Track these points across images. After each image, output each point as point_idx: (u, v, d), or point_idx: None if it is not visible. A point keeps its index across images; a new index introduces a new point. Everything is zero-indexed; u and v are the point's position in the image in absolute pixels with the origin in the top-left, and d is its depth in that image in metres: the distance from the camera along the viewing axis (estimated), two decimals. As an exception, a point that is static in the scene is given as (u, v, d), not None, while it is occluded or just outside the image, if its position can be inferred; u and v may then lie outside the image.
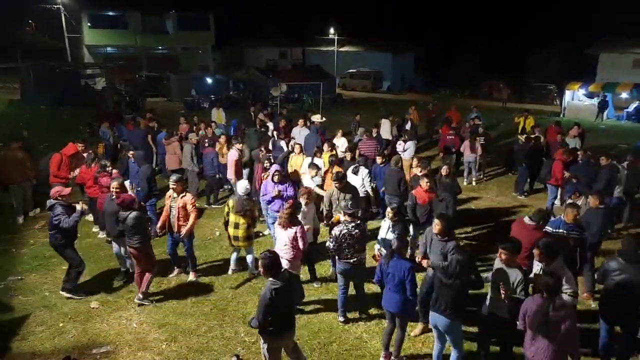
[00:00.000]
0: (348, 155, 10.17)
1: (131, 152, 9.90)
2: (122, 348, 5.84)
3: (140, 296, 6.72)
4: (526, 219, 6.29)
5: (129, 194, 7.17)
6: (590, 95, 25.35)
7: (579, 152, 10.57)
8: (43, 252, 8.29)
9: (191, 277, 7.53)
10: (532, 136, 12.52)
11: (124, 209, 6.65)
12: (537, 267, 5.39)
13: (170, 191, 7.30)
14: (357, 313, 6.59)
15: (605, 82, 26.02)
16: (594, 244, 7.03)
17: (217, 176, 10.74)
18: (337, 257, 6.28)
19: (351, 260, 6.18)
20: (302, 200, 7.08)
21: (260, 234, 9.11)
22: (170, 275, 7.58)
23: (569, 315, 4.33)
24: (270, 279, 4.64)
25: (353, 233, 6.14)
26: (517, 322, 4.69)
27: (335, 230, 6.20)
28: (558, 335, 4.28)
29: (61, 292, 6.93)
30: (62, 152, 9.47)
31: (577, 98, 25.61)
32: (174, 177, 7.31)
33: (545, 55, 39.65)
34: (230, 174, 10.09)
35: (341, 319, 6.44)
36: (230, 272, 7.72)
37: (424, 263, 5.94)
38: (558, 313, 4.29)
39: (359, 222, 6.33)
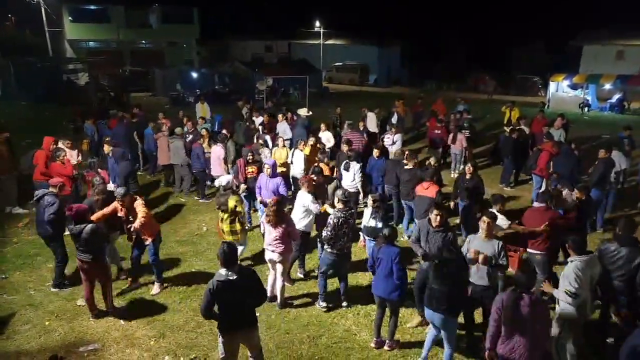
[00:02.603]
0: (344, 148, 10.18)
1: (108, 148, 9.75)
2: (109, 345, 5.78)
3: (111, 309, 6.30)
4: (535, 203, 6.68)
5: (82, 204, 6.46)
6: (574, 87, 25.63)
7: (573, 146, 10.64)
8: (27, 250, 8.17)
9: (155, 289, 6.96)
10: (517, 128, 12.63)
11: (76, 221, 5.93)
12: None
13: (118, 205, 6.59)
14: (346, 305, 6.61)
15: (589, 74, 26.29)
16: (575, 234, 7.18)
17: (206, 170, 10.67)
18: (329, 248, 6.29)
19: (344, 250, 6.29)
20: (305, 189, 7.17)
21: (247, 227, 9.06)
22: (125, 287, 7.03)
23: (543, 312, 4.34)
24: (219, 271, 4.54)
25: (349, 220, 6.29)
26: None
27: (332, 219, 6.22)
28: (533, 332, 4.27)
29: (53, 290, 6.94)
30: (44, 148, 9.31)
31: (561, 89, 25.87)
32: (119, 192, 6.56)
33: (530, 47, 39.98)
34: (220, 170, 10.05)
35: (323, 304, 6.51)
36: None
37: (419, 253, 6.04)
38: (532, 309, 4.28)
39: (352, 210, 6.48)
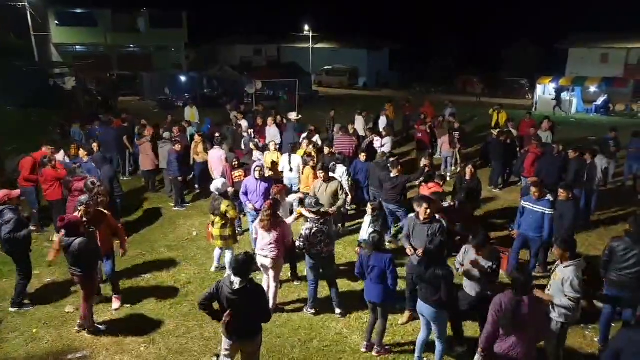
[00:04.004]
0: (326, 150, 10.21)
1: (83, 152, 9.50)
2: (99, 352, 5.72)
3: (91, 329, 6.02)
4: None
5: (75, 214, 6.06)
6: (560, 89, 25.96)
7: (554, 146, 10.75)
8: (14, 257, 8.04)
9: (115, 304, 6.58)
10: (505, 130, 12.79)
11: (67, 233, 5.68)
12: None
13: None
14: (339, 313, 6.56)
15: (575, 77, 26.65)
16: (569, 235, 7.24)
17: (179, 178, 10.48)
18: (307, 254, 6.31)
19: (322, 255, 6.25)
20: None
21: (238, 231, 9.02)
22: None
23: (539, 311, 4.38)
24: (230, 274, 4.54)
25: (323, 229, 6.23)
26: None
27: (304, 230, 6.22)
28: (528, 331, 4.33)
29: (11, 309, 6.53)
30: (33, 156, 9.19)
31: (548, 92, 26.19)
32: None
33: (518, 50, 40.34)
34: (221, 172, 9.96)
35: (311, 310, 6.51)
36: (212, 269, 7.68)
37: (416, 252, 6.03)
38: (530, 311, 4.31)
39: (325, 218, 6.36)
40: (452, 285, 5.08)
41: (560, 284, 4.95)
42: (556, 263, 5.24)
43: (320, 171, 7.89)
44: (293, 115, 13.94)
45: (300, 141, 11.05)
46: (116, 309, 6.57)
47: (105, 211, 6.51)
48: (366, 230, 6.92)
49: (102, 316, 6.41)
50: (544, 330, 4.41)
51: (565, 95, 25.40)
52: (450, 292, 5.04)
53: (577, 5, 44.61)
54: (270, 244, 6.25)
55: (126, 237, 6.90)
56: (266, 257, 6.31)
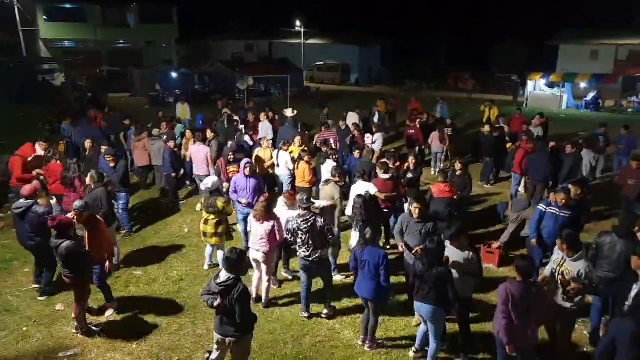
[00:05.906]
0: (323, 148, 10.23)
1: (104, 148, 9.54)
2: (90, 350, 5.69)
3: (84, 330, 5.93)
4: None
5: (67, 216, 6.05)
6: (551, 85, 26.15)
7: (552, 143, 10.80)
8: (3, 255, 7.98)
9: (108, 313, 6.39)
10: (497, 126, 12.85)
11: (58, 234, 5.59)
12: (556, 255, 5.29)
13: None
14: (325, 315, 6.45)
15: (565, 73, 26.86)
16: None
17: (173, 174, 10.37)
18: (299, 252, 6.24)
19: (310, 258, 6.10)
20: (284, 200, 6.97)
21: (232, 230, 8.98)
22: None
23: (543, 295, 4.65)
24: (223, 267, 4.61)
25: (302, 228, 6.05)
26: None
27: (288, 224, 6.21)
28: (531, 315, 4.56)
29: (40, 298, 6.69)
30: (21, 155, 9.05)
31: (539, 88, 26.37)
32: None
33: (510, 46, 40.52)
34: (204, 170, 9.95)
35: (304, 314, 6.39)
36: (206, 267, 7.62)
37: (412, 251, 6.05)
38: (536, 295, 4.56)
39: (309, 217, 6.11)
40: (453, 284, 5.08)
41: (576, 276, 4.98)
42: (563, 257, 5.10)
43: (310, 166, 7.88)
44: (289, 112, 13.78)
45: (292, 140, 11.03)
46: (108, 316, 6.39)
47: (100, 219, 6.45)
48: (354, 241, 6.79)
49: (93, 318, 6.35)
50: (547, 314, 4.60)
51: (555, 91, 25.59)
52: (455, 291, 5.04)
53: (568, 1, 44.82)
54: (262, 238, 6.27)
55: (115, 250, 6.83)
56: (258, 251, 6.35)
